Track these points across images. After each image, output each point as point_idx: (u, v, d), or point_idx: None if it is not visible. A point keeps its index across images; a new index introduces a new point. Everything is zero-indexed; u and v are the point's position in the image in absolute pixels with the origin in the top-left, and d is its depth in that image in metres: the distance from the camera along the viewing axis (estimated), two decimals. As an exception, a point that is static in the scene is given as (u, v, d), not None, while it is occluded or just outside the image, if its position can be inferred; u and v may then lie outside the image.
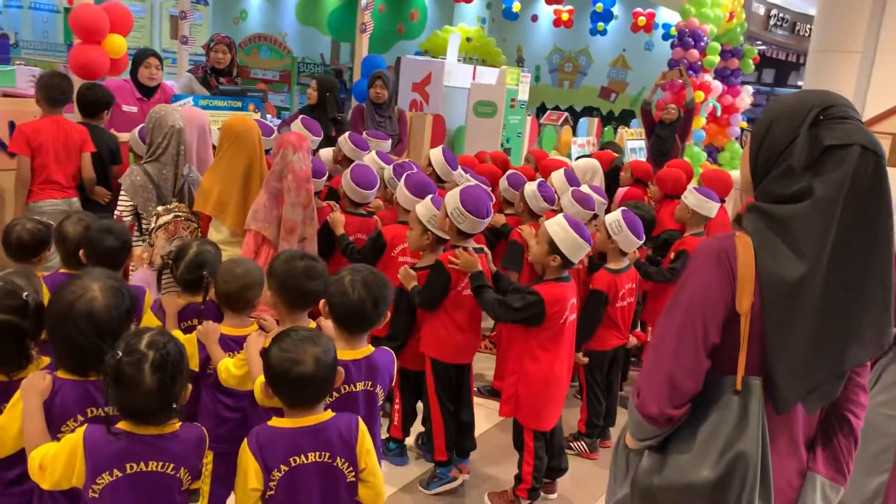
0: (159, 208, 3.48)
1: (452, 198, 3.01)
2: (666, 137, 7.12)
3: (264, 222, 3.32)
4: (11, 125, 4.25)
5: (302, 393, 1.86)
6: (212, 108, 5.34)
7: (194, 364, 2.41)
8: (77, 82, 4.39)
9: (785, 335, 1.45)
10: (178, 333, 2.46)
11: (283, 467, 1.83)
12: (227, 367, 2.32)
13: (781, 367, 1.46)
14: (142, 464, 1.72)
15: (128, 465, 1.70)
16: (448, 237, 3.11)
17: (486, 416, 3.85)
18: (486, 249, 3.24)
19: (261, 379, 2.16)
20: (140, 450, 1.72)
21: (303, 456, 1.84)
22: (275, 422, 1.89)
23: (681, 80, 8.00)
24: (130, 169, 3.57)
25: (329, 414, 1.90)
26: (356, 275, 2.26)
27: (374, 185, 3.72)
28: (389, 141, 4.94)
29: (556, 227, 2.95)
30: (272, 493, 1.83)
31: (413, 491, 3.27)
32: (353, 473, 1.89)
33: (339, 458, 1.87)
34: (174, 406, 1.71)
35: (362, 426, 1.92)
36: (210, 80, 5.41)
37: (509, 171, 4.48)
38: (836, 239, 1.40)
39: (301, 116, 4.63)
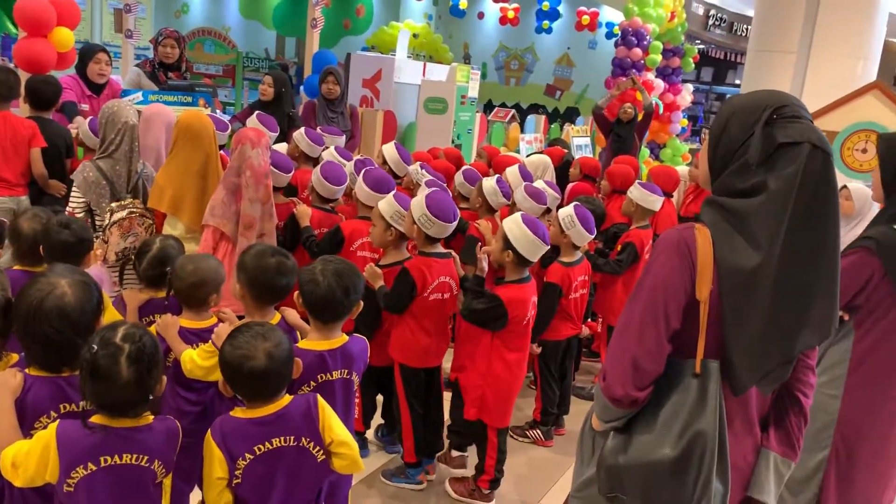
0: (113, 204, 3.43)
1: (418, 204, 3.04)
2: (626, 136, 7.28)
3: (222, 218, 3.30)
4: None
5: (257, 387, 1.90)
6: (161, 104, 5.29)
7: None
8: (23, 76, 4.29)
9: (741, 321, 1.54)
10: None
11: (247, 455, 1.87)
12: (192, 358, 2.32)
13: (737, 352, 1.55)
14: (116, 457, 1.73)
15: (102, 459, 1.72)
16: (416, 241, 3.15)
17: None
18: (453, 253, 3.27)
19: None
20: (114, 443, 1.73)
21: (267, 443, 1.88)
22: (237, 412, 1.93)
23: (635, 88, 8.23)
24: (83, 165, 3.52)
25: (287, 399, 1.94)
26: (327, 265, 2.30)
27: (344, 181, 3.73)
28: (344, 136, 4.97)
29: (512, 224, 3.03)
30: (238, 480, 1.87)
31: (374, 482, 3.32)
32: (321, 451, 1.94)
33: (304, 439, 1.91)
34: (150, 398, 1.73)
35: (321, 402, 1.95)
36: (158, 74, 5.35)
37: (464, 167, 4.55)
38: (788, 231, 1.50)
39: (257, 112, 4.62)
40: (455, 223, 3.10)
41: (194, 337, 2.41)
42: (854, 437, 2.33)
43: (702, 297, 1.55)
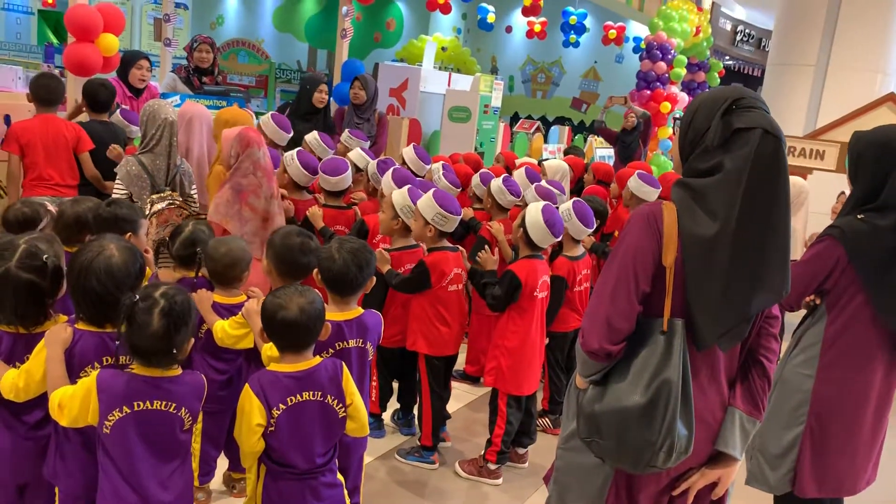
0: (154, 196, 3.70)
1: (428, 205, 3.27)
2: (630, 143, 8.18)
3: (225, 216, 3.44)
4: (7, 119, 4.45)
5: (288, 336, 2.13)
6: (198, 103, 5.58)
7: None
8: (71, 80, 4.59)
9: (701, 284, 1.74)
10: None
11: (281, 406, 2.09)
12: (223, 328, 2.57)
13: (699, 311, 1.76)
14: (147, 402, 1.96)
15: (135, 404, 1.94)
16: (429, 243, 3.38)
17: (455, 397, 4.11)
18: (460, 248, 3.51)
19: (267, 345, 2.40)
20: (146, 389, 1.95)
21: (298, 395, 2.11)
22: (272, 366, 2.16)
23: (625, 105, 9.53)
24: (126, 159, 3.78)
25: (318, 359, 2.18)
26: (343, 244, 2.55)
27: (345, 171, 3.92)
28: (368, 142, 5.20)
29: (534, 209, 3.32)
30: (272, 429, 2.10)
31: (389, 459, 3.52)
32: (343, 409, 2.17)
33: (329, 396, 2.15)
34: (175, 352, 1.94)
35: (345, 369, 2.20)
36: (193, 79, 5.62)
37: (481, 170, 4.77)
38: (742, 204, 1.69)
39: (272, 112, 4.84)
40: (457, 215, 3.32)
41: (225, 311, 2.64)
42: (826, 415, 2.48)
43: (667, 264, 1.75)
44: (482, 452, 3.45)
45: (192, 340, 2.05)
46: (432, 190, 3.39)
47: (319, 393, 2.13)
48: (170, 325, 1.92)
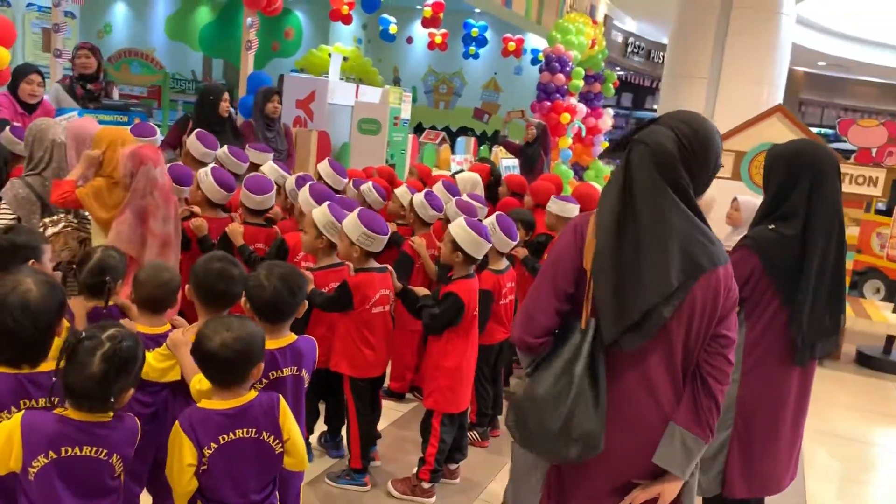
0: (46, 220, 3.46)
1: (353, 225, 3.19)
2: (532, 154, 8.61)
3: (129, 242, 3.26)
4: None
5: (213, 370, 2.05)
6: (87, 117, 5.29)
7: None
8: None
9: (598, 286, 1.87)
10: None
11: (213, 444, 2.00)
12: (148, 361, 2.42)
13: (600, 309, 1.87)
14: (76, 448, 1.82)
15: (63, 449, 1.81)
16: (355, 263, 3.30)
17: (382, 415, 4.05)
18: (389, 267, 3.43)
19: (198, 377, 2.28)
20: (75, 435, 1.82)
21: (231, 433, 2.02)
22: (204, 404, 2.07)
23: (523, 119, 10.17)
24: (11, 182, 3.52)
25: (252, 394, 2.09)
26: (272, 269, 2.45)
27: (270, 190, 3.85)
28: (272, 154, 5.01)
29: (458, 228, 3.29)
30: (205, 467, 2.00)
31: (317, 484, 3.43)
32: (280, 444, 2.09)
33: (264, 433, 2.06)
34: (111, 400, 1.82)
35: (282, 402, 2.12)
36: (76, 88, 5.32)
37: (401, 185, 4.75)
38: (619, 218, 1.85)
39: (197, 130, 4.67)
40: (385, 234, 3.27)
41: (151, 342, 2.50)
42: (751, 418, 2.58)
43: (587, 267, 1.89)
44: (415, 471, 3.41)
45: (132, 391, 1.93)
46: (358, 209, 3.32)
47: (253, 430, 2.05)
48: (109, 370, 1.80)
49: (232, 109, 5.67)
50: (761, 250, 2.52)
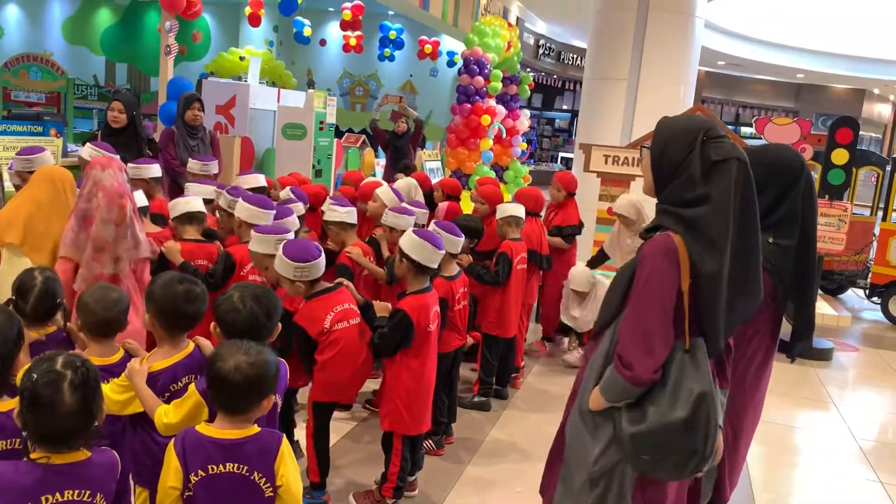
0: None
1: (283, 264, 2.98)
2: (401, 147, 8.38)
3: (72, 246, 3.16)
4: None
5: (219, 394, 1.94)
6: (10, 134, 4.98)
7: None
8: None
9: (712, 305, 1.95)
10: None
11: (200, 472, 1.89)
12: (106, 395, 2.25)
13: (710, 328, 1.96)
14: (58, 494, 1.68)
15: (43, 498, 1.66)
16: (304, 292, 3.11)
17: (334, 429, 3.95)
18: (345, 282, 3.27)
19: (162, 409, 2.18)
20: (55, 479, 1.68)
21: (220, 466, 1.90)
22: (201, 427, 1.95)
23: (400, 106, 9.62)
24: None
25: (255, 429, 1.96)
26: (244, 290, 2.33)
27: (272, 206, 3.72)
28: (215, 161, 4.88)
29: (406, 237, 3.18)
30: (190, 493, 1.89)
31: None
32: (271, 489, 1.95)
33: (256, 473, 1.93)
34: (96, 424, 1.70)
35: (285, 444, 1.98)
36: None
37: (384, 186, 4.69)
38: (734, 230, 1.91)
39: (91, 142, 4.41)
40: (320, 258, 3.07)
41: (105, 373, 2.34)
42: (739, 424, 2.70)
43: (684, 289, 1.94)
44: (377, 486, 3.33)
45: (105, 407, 1.79)
46: (281, 246, 3.09)
47: (245, 468, 1.92)
48: (86, 397, 1.68)
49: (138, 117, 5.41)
50: (776, 271, 2.59)
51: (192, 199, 3.78)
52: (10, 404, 1.86)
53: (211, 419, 2.04)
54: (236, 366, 1.90)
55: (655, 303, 1.93)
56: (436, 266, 3.24)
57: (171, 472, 1.88)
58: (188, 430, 1.95)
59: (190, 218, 3.70)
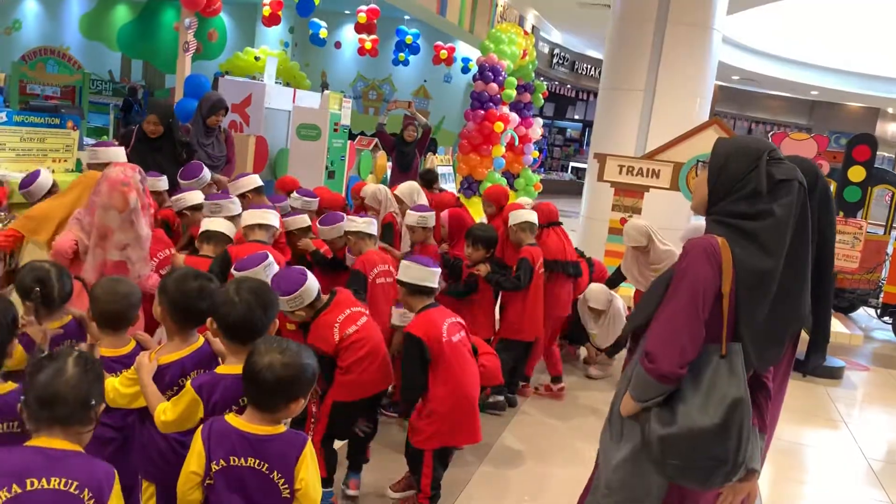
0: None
1: (280, 303, 2.85)
2: (408, 153, 8.17)
3: (76, 223, 3.23)
4: None
5: (251, 388, 1.94)
6: (28, 125, 5.00)
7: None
8: None
9: (752, 311, 1.94)
10: None
11: (221, 462, 1.88)
12: (115, 387, 2.26)
13: (748, 336, 1.95)
14: (44, 480, 1.63)
15: (28, 481, 1.62)
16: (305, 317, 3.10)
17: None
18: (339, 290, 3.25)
19: (162, 406, 2.16)
20: (44, 465, 1.64)
21: (241, 459, 1.89)
22: (230, 417, 1.95)
23: (409, 110, 9.52)
24: None
25: (281, 429, 1.95)
26: (240, 284, 2.28)
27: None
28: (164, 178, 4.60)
29: (402, 269, 3.23)
30: (211, 482, 1.89)
31: None
32: (289, 490, 1.92)
33: (276, 473, 1.91)
34: (92, 404, 1.70)
35: (309, 448, 1.95)
36: None
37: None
38: (789, 244, 1.95)
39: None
40: (306, 282, 3.02)
41: (116, 364, 2.34)
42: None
43: (725, 292, 1.94)
44: (415, 493, 3.30)
45: (104, 405, 1.78)
46: (272, 277, 3.05)
47: (266, 465, 1.90)
48: (86, 373, 1.71)
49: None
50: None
51: (215, 220, 3.77)
52: (4, 388, 1.89)
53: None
54: (270, 363, 1.89)
55: (687, 298, 1.94)
56: (433, 284, 3.23)
57: (195, 457, 1.89)
58: (217, 418, 1.95)
59: (208, 237, 3.69)
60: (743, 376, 1.93)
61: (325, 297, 3.14)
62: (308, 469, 1.93)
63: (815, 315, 2.59)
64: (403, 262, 3.25)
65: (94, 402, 1.71)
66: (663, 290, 2.02)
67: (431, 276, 3.22)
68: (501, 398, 4.62)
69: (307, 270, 3.11)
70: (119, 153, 4.12)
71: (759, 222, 1.96)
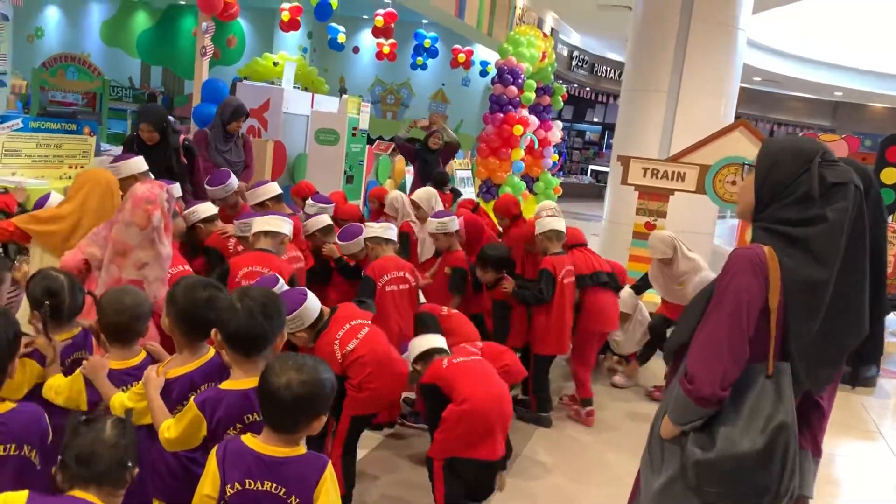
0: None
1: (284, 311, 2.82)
2: (430, 161, 8.06)
3: (89, 239, 3.15)
4: None
5: (266, 408, 1.85)
6: (44, 131, 4.96)
7: (83, 403, 2.26)
8: None
9: (802, 326, 1.79)
10: (59, 377, 2.29)
11: (237, 485, 1.79)
12: (123, 403, 2.18)
13: (799, 354, 1.80)
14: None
15: None
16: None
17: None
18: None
19: (166, 424, 2.08)
20: None
21: (258, 483, 1.80)
22: (246, 438, 1.86)
23: (435, 127, 9.30)
24: None
25: (301, 450, 1.85)
26: (246, 291, 2.17)
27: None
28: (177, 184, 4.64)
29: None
30: None
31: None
32: None
33: (293, 497, 1.81)
34: (128, 465, 1.66)
35: (329, 471, 1.85)
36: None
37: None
38: (845, 251, 1.80)
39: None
40: (306, 302, 3.01)
41: (126, 376, 2.26)
42: None
43: (773, 306, 1.79)
44: None
45: (136, 471, 1.71)
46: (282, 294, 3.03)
47: (283, 490, 1.80)
48: (123, 435, 1.69)
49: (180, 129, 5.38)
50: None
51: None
52: (3, 407, 1.85)
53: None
54: (287, 383, 1.79)
55: (730, 313, 1.79)
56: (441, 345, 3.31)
57: (209, 479, 1.80)
58: (233, 439, 1.87)
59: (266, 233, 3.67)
60: (790, 399, 1.78)
61: (325, 315, 3.10)
62: (328, 493, 1.83)
63: (871, 322, 2.46)
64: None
65: (130, 465, 1.67)
66: (704, 304, 1.87)
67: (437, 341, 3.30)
68: (547, 415, 4.51)
69: (307, 291, 3.07)
70: (139, 162, 4.05)
71: (810, 228, 1.81)
